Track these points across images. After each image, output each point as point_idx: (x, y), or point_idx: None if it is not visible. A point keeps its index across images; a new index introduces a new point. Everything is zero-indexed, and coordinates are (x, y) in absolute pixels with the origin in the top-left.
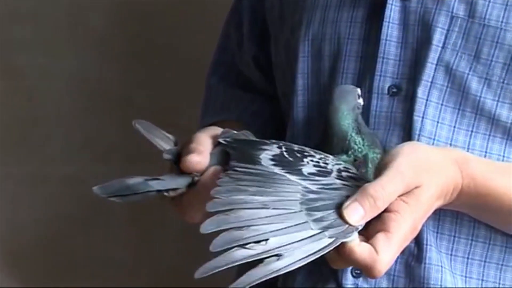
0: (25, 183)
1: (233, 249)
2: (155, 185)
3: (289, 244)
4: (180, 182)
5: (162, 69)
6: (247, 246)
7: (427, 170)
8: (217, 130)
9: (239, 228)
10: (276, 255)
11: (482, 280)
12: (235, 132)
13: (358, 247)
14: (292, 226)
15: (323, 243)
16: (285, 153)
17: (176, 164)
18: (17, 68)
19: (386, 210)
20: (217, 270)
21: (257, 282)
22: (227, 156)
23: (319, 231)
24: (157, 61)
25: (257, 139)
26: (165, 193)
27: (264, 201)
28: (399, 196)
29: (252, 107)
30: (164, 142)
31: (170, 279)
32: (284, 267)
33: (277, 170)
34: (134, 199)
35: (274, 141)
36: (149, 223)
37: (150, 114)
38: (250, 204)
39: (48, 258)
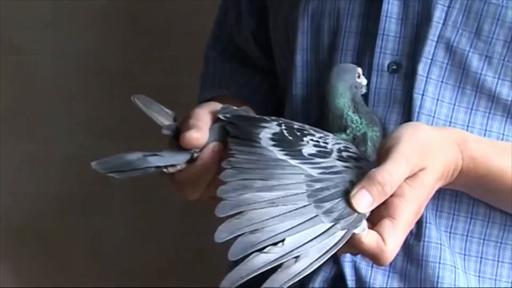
0: (26, 161)
1: (252, 255)
2: (154, 161)
3: (305, 243)
4: (179, 158)
5: (163, 45)
6: (265, 250)
7: (429, 152)
8: (217, 106)
9: (253, 231)
10: (294, 257)
11: (481, 258)
12: (235, 108)
13: (366, 237)
14: (304, 222)
15: (337, 237)
16: (285, 131)
17: (175, 140)
18: (17, 44)
19: (391, 195)
20: (242, 281)
21: None
22: (227, 132)
23: (331, 224)
24: (157, 37)
25: (257, 116)
26: (164, 169)
27: (271, 198)
28: (404, 180)
29: (251, 83)
30: (163, 117)
31: (171, 256)
32: (304, 269)
33: (277, 152)
34: (133, 175)
35: (273, 118)
36: (151, 201)
37: (151, 90)
38: (258, 204)
39: (49, 236)
